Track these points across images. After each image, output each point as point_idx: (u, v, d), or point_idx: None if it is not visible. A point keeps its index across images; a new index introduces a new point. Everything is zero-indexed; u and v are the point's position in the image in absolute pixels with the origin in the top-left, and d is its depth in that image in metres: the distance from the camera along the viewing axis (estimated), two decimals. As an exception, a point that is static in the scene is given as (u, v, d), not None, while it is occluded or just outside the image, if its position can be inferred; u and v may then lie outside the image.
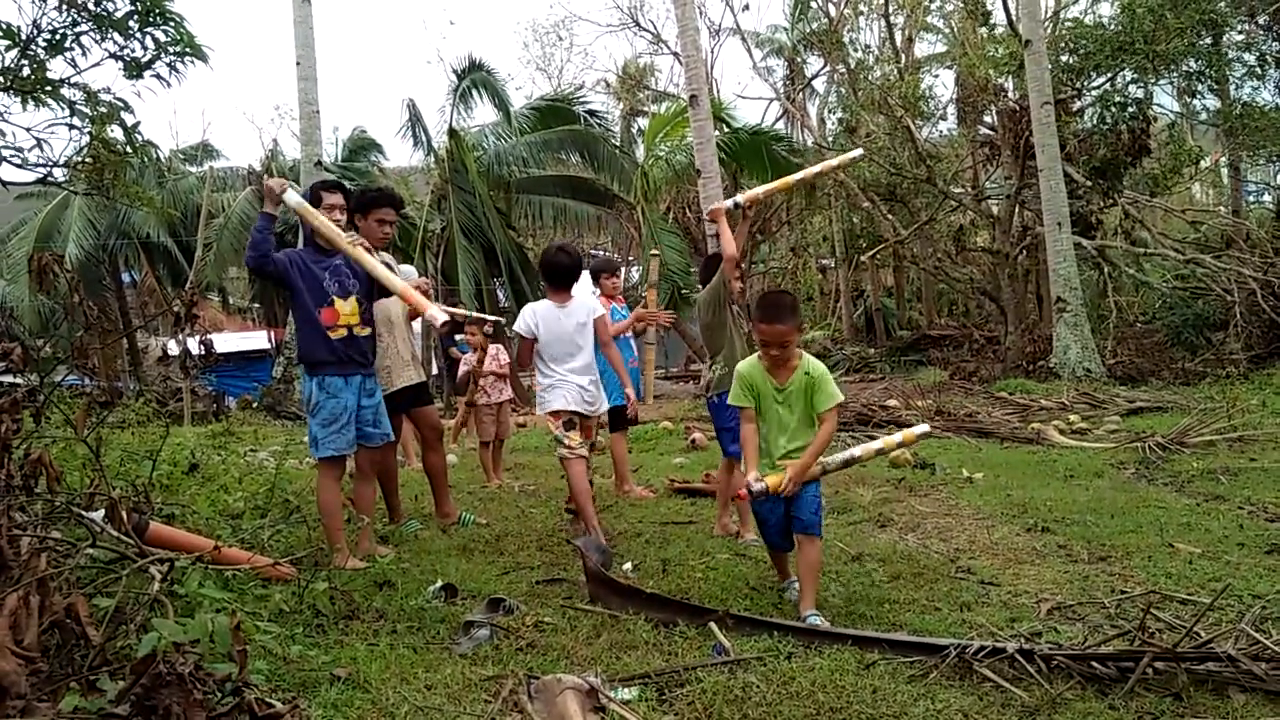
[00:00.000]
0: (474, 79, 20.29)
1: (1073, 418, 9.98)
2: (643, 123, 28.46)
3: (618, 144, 24.41)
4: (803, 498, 3.67)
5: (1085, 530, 4.89)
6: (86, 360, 3.93)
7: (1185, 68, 17.00)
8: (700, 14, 23.88)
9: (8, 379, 3.99)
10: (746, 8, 43.10)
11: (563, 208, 22.01)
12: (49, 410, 3.65)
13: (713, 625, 3.41)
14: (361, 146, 26.38)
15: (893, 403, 11.64)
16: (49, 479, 3.02)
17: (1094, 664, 2.87)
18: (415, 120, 20.60)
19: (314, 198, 4.78)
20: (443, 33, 57.14)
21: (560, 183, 22.25)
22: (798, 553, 3.67)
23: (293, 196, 4.61)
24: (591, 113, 22.34)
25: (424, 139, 20.90)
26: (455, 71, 20.29)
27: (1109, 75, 17.01)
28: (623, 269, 18.13)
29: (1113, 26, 17.03)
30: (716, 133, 17.32)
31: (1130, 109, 16.17)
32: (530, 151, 20.80)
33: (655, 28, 33.97)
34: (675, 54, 27.20)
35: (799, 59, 28.64)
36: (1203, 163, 19.37)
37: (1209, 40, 16.54)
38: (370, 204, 5.16)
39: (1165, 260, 16.35)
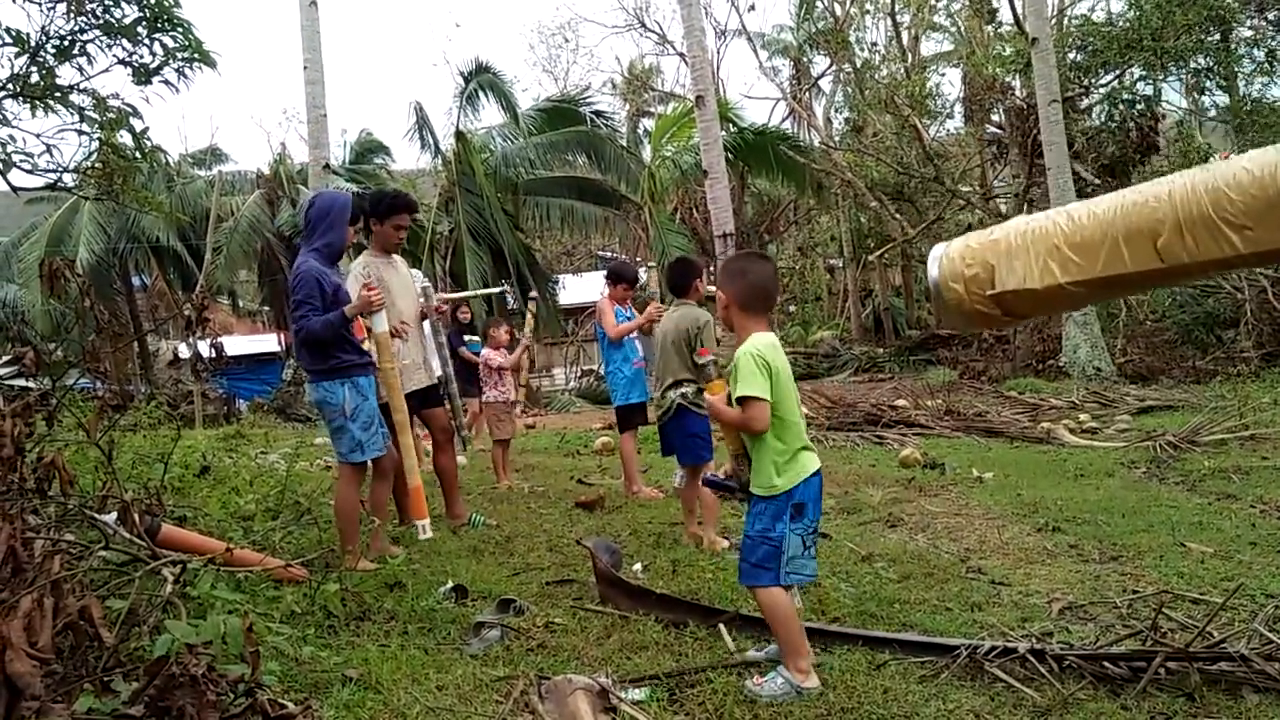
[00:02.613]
0: (480, 81, 20.35)
1: (1083, 417, 9.95)
2: (649, 123, 28.53)
3: (624, 145, 24.44)
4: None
5: (1096, 530, 4.88)
6: (98, 364, 3.94)
7: (1194, 64, 16.95)
8: (706, 15, 23.87)
9: (20, 383, 4.01)
10: (752, 8, 43.16)
11: (570, 209, 22.04)
12: (61, 414, 3.67)
13: (722, 627, 3.41)
14: (369, 149, 26.46)
15: (902, 402, 11.61)
16: (62, 482, 3.04)
17: (1106, 664, 2.86)
18: (422, 123, 20.69)
19: (354, 216, 4.77)
20: (448, 35, 57.35)
21: (567, 184, 22.29)
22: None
23: (381, 325, 4.66)
24: (598, 114, 22.38)
25: (431, 141, 20.98)
26: (462, 74, 20.39)
27: (1117, 72, 16.95)
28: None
29: (1120, 23, 16.98)
30: (723, 133, 17.32)
31: (1139, 106, 16.12)
32: (537, 153, 20.84)
33: (661, 29, 34.06)
34: (681, 55, 27.25)
35: (805, 59, 28.64)
36: (1212, 159, 19.29)
37: (1217, 36, 16.48)
38: (389, 210, 5.17)
39: (1175, 258, 16.26)
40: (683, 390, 5.10)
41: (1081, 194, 15.49)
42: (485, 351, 7.84)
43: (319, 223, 4.61)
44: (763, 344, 3.00)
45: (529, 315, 8.14)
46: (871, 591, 3.88)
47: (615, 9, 47.08)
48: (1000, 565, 4.30)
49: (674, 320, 5.21)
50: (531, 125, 21.44)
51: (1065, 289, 2.17)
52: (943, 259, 2.37)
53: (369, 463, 4.76)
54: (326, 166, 17.09)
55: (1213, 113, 20.53)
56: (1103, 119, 16.81)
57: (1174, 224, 2.00)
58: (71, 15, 5.96)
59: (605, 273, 7.14)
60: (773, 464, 2.98)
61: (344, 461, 4.61)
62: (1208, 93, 19.43)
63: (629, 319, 6.65)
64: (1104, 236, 2.10)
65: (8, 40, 5.88)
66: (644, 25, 30.55)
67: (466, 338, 9.13)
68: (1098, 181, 16.20)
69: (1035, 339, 16.73)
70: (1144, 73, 16.89)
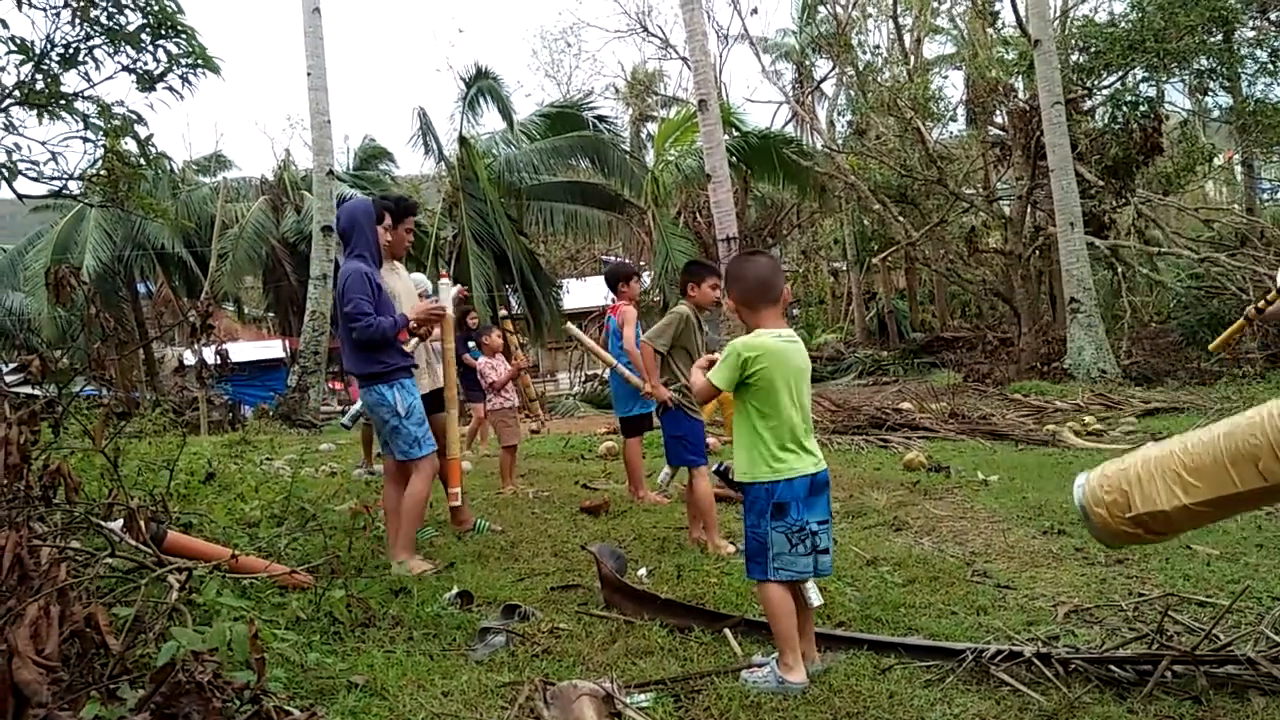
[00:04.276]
0: (481, 86, 20.38)
1: (1088, 419, 9.93)
2: (652, 128, 28.58)
3: (627, 149, 24.46)
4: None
5: (1102, 532, 4.86)
6: (104, 371, 3.96)
7: (1197, 65, 16.94)
8: (708, 19, 23.90)
9: (27, 390, 4.02)
10: (754, 11, 43.12)
11: (573, 213, 22.07)
12: (67, 421, 3.68)
13: (727, 631, 3.41)
14: (372, 155, 26.55)
15: (906, 405, 11.61)
16: (68, 489, 3.04)
17: (1112, 667, 2.86)
18: (426, 129, 20.72)
19: (378, 215, 4.87)
20: (451, 41, 57.53)
21: (571, 188, 22.32)
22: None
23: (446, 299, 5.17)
24: (601, 118, 22.41)
25: (435, 147, 21.02)
26: (464, 80, 20.40)
27: (1120, 74, 16.95)
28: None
29: (1123, 24, 16.97)
30: (726, 137, 17.33)
31: (1142, 107, 16.11)
32: (540, 158, 20.87)
33: (664, 33, 34.10)
34: (684, 59, 27.25)
35: (807, 62, 28.67)
36: (1216, 160, 19.26)
37: (1220, 37, 16.47)
38: (404, 213, 5.22)
39: (1179, 259, 16.27)
40: (671, 389, 5.14)
41: (1085, 195, 15.48)
42: (482, 360, 7.86)
43: (350, 231, 4.74)
44: (755, 340, 3.08)
45: (506, 335, 7.91)
46: (877, 595, 3.88)
47: (618, 14, 47.19)
48: (1006, 569, 4.29)
49: None
50: (535, 130, 21.47)
51: (1190, 509, 2.43)
52: (1085, 486, 2.73)
53: (382, 465, 4.88)
54: (330, 173, 17.16)
55: (1216, 114, 20.52)
56: (1106, 120, 16.80)
57: (1268, 449, 2.29)
58: (77, 22, 5.99)
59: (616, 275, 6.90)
60: (747, 453, 3.09)
61: (405, 459, 4.73)
62: (1211, 94, 19.41)
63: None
64: (1214, 462, 2.39)
65: (13, 48, 5.91)
66: (646, 30, 30.58)
67: (471, 343, 9.13)
68: (1101, 183, 16.19)
69: (1040, 341, 16.71)
70: (1147, 74, 16.89)
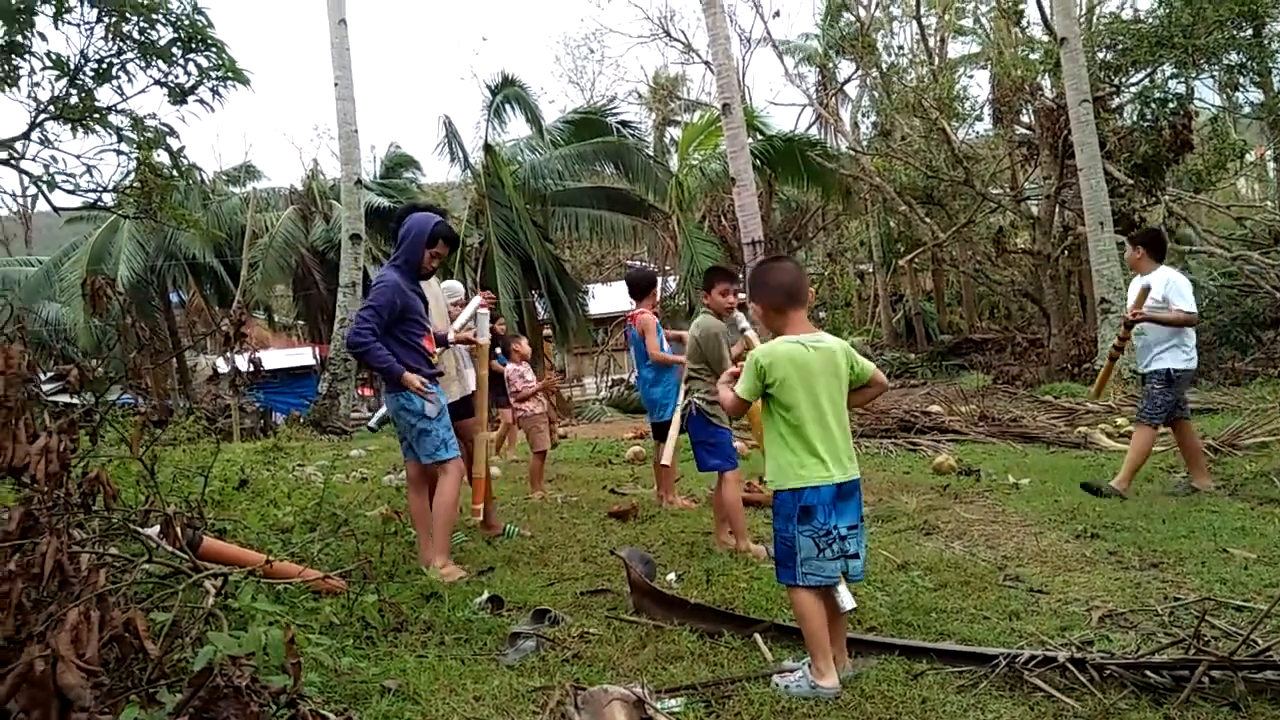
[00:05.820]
0: (507, 94, 20.48)
1: (1120, 421, 9.81)
2: (675, 132, 28.57)
3: (651, 154, 24.48)
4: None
5: (1136, 536, 4.81)
6: (139, 380, 4.02)
7: (1226, 61, 16.68)
8: (731, 23, 23.88)
9: (65, 399, 4.10)
10: (777, 14, 43.02)
11: (598, 219, 22.13)
12: (104, 429, 3.74)
13: (758, 636, 3.40)
14: (399, 164, 26.74)
15: (935, 408, 11.52)
16: (106, 496, 3.09)
17: (1148, 673, 2.82)
18: (451, 136, 20.86)
19: (431, 238, 4.92)
20: (475, 49, 57.93)
21: (595, 194, 22.37)
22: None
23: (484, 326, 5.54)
24: (624, 124, 22.45)
25: (460, 155, 21.14)
26: (489, 87, 20.51)
27: (1148, 71, 16.75)
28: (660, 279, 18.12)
29: (1150, 21, 16.77)
30: (750, 140, 17.31)
31: (1171, 104, 15.91)
32: (565, 164, 20.94)
33: (686, 38, 34.10)
34: (707, 63, 27.27)
35: (830, 64, 28.57)
36: (1247, 157, 18.94)
37: (1250, 32, 16.21)
38: (452, 246, 5.29)
39: (1211, 258, 16.01)
40: (696, 396, 5.15)
41: (1114, 194, 15.29)
42: (509, 367, 7.89)
43: (402, 241, 4.88)
44: (771, 348, 3.12)
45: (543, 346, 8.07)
46: (908, 600, 3.86)
47: (640, 19, 47.27)
48: (1038, 573, 4.25)
49: (692, 325, 5.44)
50: (559, 136, 21.55)
51: None
52: None
53: (407, 472, 4.95)
54: (358, 182, 17.31)
55: (1247, 110, 20.20)
56: (1135, 118, 16.61)
57: None
58: (110, 38, 6.10)
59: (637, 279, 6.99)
60: (775, 461, 3.12)
61: (431, 462, 4.79)
62: (1241, 89, 19.12)
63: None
64: None
65: (48, 64, 6.03)
66: (669, 34, 30.61)
67: (497, 349, 9.17)
68: (1130, 181, 15.99)
69: (1070, 342, 16.54)
70: (1176, 70, 16.66)
